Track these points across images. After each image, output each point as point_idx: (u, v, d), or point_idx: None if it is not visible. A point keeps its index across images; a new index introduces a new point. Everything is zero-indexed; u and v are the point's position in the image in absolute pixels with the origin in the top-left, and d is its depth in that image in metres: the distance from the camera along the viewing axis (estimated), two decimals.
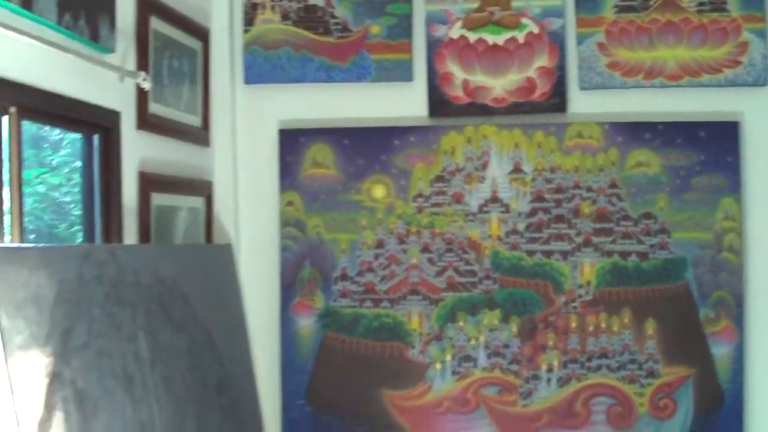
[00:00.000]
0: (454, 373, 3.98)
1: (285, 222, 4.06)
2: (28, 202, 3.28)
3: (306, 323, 4.04)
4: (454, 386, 3.98)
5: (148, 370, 3.06)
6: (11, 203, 2.71)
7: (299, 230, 4.05)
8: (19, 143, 2.74)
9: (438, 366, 3.98)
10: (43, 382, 2.45)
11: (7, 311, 2.36)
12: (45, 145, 4.45)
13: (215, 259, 3.86)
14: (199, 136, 3.99)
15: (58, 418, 2.48)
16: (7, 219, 2.71)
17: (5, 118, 2.68)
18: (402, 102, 4.10)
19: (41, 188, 4.38)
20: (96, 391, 2.71)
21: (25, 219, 2.87)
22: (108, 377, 2.81)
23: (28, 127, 2.94)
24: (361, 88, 4.10)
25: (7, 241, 2.70)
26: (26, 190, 2.93)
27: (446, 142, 4.03)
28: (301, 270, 4.04)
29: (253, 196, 4.17)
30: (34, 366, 2.43)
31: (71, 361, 2.61)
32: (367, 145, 4.04)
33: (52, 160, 4.58)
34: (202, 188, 4.01)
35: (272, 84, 4.13)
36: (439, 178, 4.03)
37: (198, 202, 3.96)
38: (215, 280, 3.76)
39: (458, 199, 4.03)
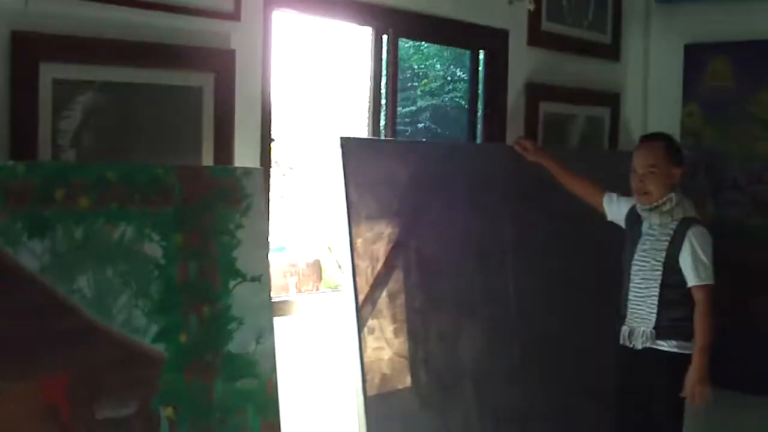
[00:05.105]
0: None
1: (685, 131, 4.02)
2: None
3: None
4: None
5: (510, 248, 3.37)
6: (386, 108, 3.20)
7: (696, 139, 4.00)
8: (396, 59, 3.21)
9: None
10: (386, 246, 2.93)
11: (358, 189, 2.85)
12: None
13: (614, 163, 4.01)
14: (607, 51, 4.11)
15: (397, 274, 2.95)
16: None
17: (384, 37, 3.17)
18: None
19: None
20: (442, 259, 3.11)
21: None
22: (459, 250, 3.20)
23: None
24: (756, 2, 3.89)
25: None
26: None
27: None
28: (695, 177, 3.97)
29: (659, 106, 4.19)
30: (379, 233, 2.91)
31: (419, 233, 3.04)
32: (762, 57, 3.85)
33: None
34: (606, 99, 4.13)
35: (680, 4, 4.09)
36: None
37: (599, 111, 4.10)
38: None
39: None
